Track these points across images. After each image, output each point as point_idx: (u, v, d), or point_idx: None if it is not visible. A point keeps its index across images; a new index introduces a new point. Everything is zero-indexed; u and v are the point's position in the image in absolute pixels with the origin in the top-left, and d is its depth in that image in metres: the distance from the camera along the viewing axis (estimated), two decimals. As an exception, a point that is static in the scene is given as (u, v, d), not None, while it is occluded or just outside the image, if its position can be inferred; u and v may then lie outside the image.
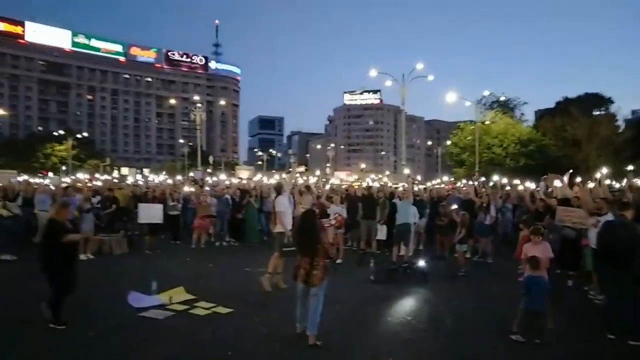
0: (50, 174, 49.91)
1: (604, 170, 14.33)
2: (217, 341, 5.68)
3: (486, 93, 51.31)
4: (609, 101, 51.69)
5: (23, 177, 24.72)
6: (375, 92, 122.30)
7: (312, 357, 5.25)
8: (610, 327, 5.87)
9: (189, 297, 7.38)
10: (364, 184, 19.24)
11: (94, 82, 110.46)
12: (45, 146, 69.66)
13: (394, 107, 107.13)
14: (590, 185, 12.69)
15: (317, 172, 34.59)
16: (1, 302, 7.26)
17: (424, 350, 5.59)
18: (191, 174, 36.69)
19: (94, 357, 5.23)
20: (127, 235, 12.88)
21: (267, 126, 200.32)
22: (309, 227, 5.67)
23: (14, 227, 11.50)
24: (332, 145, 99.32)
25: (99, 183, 22.29)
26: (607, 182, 16.51)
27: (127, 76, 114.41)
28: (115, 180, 28.31)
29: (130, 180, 30.80)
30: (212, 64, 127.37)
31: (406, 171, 23.24)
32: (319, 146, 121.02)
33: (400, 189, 14.99)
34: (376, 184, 20.90)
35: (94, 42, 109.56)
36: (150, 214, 12.53)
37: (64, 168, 47.87)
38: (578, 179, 13.36)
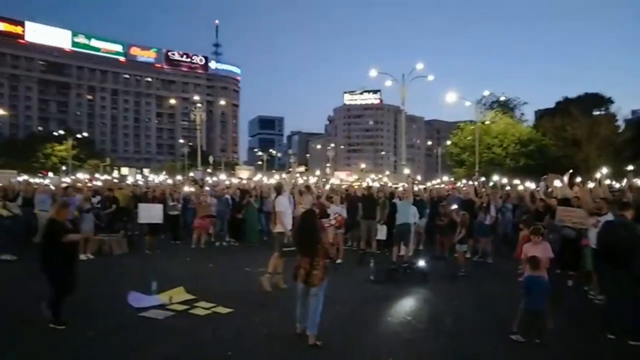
0: (50, 174, 49.92)
1: (604, 170, 14.31)
2: (217, 341, 5.68)
3: (486, 93, 51.36)
4: (609, 101, 51.70)
5: (23, 177, 24.72)
6: (375, 92, 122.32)
7: (312, 357, 5.25)
8: (610, 327, 5.87)
9: (189, 297, 7.38)
10: (364, 184, 19.24)
11: (94, 82, 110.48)
12: (45, 146, 69.67)
13: (394, 107, 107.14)
14: (590, 185, 12.69)
15: (317, 172, 34.51)
16: (1, 302, 7.26)
17: (424, 350, 5.59)
18: (191, 174, 36.70)
19: (94, 357, 5.23)
20: (127, 235, 12.88)
21: (267, 126, 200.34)
22: (309, 227, 5.67)
23: (14, 227, 11.50)
24: (332, 145, 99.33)
25: (99, 183, 22.28)
26: (607, 182, 16.51)
27: (127, 76, 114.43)
28: (115, 180, 28.31)
29: (130, 180, 30.80)
30: (212, 64, 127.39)
31: (406, 171, 23.24)
32: (319, 146, 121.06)
33: (400, 189, 14.99)
34: (376, 184, 20.90)
35: (94, 42, 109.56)
36: (150, 214, 12.53)
37: (63, 168, 47.88)
38: (578, 179, 13.35)
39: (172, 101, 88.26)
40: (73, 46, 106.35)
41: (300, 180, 21.86)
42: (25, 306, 6.71)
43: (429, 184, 33.14)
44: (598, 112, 46.67)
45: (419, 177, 44.72)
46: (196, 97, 63.53)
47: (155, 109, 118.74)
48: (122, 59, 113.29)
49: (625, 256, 5.84)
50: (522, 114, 55.42)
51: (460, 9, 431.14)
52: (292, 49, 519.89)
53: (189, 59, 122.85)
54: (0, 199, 11.68)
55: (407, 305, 7.64)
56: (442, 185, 25.88)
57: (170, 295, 7.33)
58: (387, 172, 57.68)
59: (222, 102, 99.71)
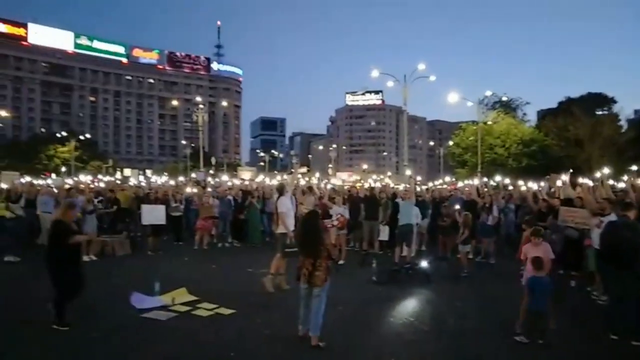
0: (53, 176, 50.03)
1: (606, 170, 14.28)
2: (220, 342, 5.69)
3: (488, 93, 51.19)
4: (612, 101, 51.54)
5: (26, 179, 24.76)
6: (377, 92, 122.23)
7: (314, 358, 5.25)
8: (614, 327, 5.85)
9: (192, 298, 7.40)
10: (366, 185, 19.22)
11: (96, 83, 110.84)
12: (48, 148, 69.81)
13: (396, 108, 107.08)
14: (590, 184, 12.65)
15: (317, 174, 34.51)
16: (4, 303, 7.30)
17: (427, 351, 5.58)
18: (193, 175, 36.72)
19: (96, 358, 5.25)
20: (129, 237, 12.91)
21: (269, 127, 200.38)
22: (312, 229, 5.67)
23: (17, 229, 11.54)
24: (334, 146, 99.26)
25: (102, 184, 22.32)
26: (611, 182, 16.44)
27: (129, 78, 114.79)
28: (118, 182, 28.35)
29: (132, 181, 30.80)
30: (214, 65, 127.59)
31: (408, 172, 23.21)
32: (321, 147, 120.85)
33: (401, 188, 14.97)
34: (378, 185, 20.87)
35: (97, 44, 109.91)
36: (153, 215, 12.54)
37: (63, 169, 47.97)
38: (580, 180, 13.31)
39: (175, 102, 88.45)
40: (75, 48, 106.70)
41: (302, 181, 21.85)
42: (28, 307, 6.75)
43: (430, 184, 33.08)
44: (601, 112, 46.53)
45: (419, 178, 44.64)
46: (198, 99, 63.42)
47: (157, 111, 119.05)
48: (124, 60, 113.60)
49: (629, 256, 5.83)
50: (525, 114, 55.22)
51: (460, 9, 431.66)
52: (293, 49, 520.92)
53: (191, 61, 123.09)
54: (3, 200, 11.73)
55: (409, 306, 7.63)
56: (445, 186, 25.82)
57: (172, 296, 7.34)
58: (389, 173, 57.62)
59: (224, 103, 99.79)
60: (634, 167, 27.67)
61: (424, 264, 9.37)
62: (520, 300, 5.96)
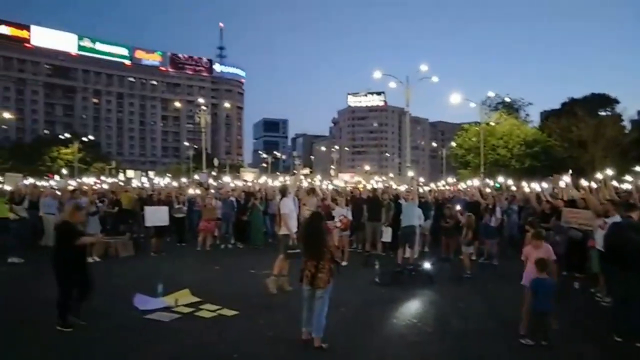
0: (57, 177, 50.15)
1: (609, 171, 14.20)
2: (223, 343, 5.69)
3: (491, 94, 51.11)
4: (615, 101, 51.35)
5: (30, 180, 24.83)
6: (379, 93, 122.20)
7: (317, 360, 5.25)
8: (618, 329, 5.83)
9: (195, 299, 7.41)
10: (368, 186, 19.19)
11: (99, 85, 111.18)
12: (52, 149, 70.05)
13: (398, 109, 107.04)
14: (590, 185, 12.61)
15: (318, 176, 34.54)
16: (7, 303, 7.33)
17: (430, 352, 5.57)
18: (196, 177, 36.77)
19: (98, 358, 5.27)
20: (132, 238, 12.93)
21: (272, 128, 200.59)
22: (316, 230, 5.65)
23: (21, 230, 11.58)
24: (337, 147, 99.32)
25: (106, 186, 22.38)
26: (615, 183, 16.37)
27: (132, 79, 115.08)
28: (121, 183, 28.41)
29: (135, 183, 30.86)
30: (217, 67, 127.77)
31: (410, 173, 23.22)
32: (323, 148, 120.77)
33: (402, 189, 14.95)
34: (380, 186, 20.83)
35: (99, 46, 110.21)
36: (157, 216, 12.57)
37: (64, 171, 48.12)
38: (583, 182, 13.25)
39: (177, 104, 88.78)
40: (79, 50, 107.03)
41: (305, 183, 21.85)
42: (31, 308, 6.77)
43: (432, 185, 33.01)
44: (604, 113, 46.37)
45: (421, 179, 44.58)
46: (201, 100, 63.50)
47: (160, 112, 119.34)
48: (127, 62, 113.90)
49: (633, 257, 5.81)
50: (527, 115, 55.10)
51: (460, 9, 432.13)
52: (294, 50, 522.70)
53: (193, 62, 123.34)
54: (7, 202, 11.77)
55: (412, 307, 7.62)
56: (447, 187, 25.73)
57: (175, 297, 7.35)
58: (392, 174, 57.58)
59: (227, 105, 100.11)
60: (638, 168, 27.59)
61: (426, 265, 9.36)
62: (521, 302, 5.95)
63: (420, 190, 15.75)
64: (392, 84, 24.93)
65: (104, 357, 5.29)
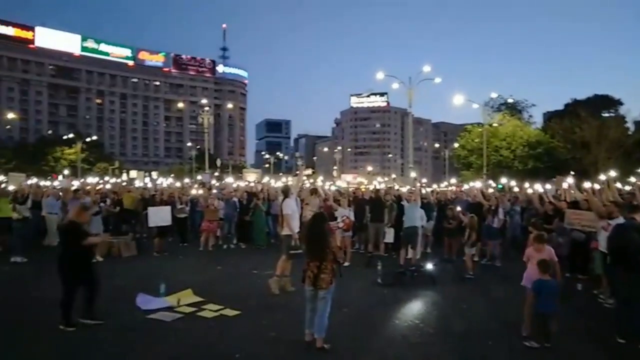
0: (60, 177, 50.26)
1: (612, 172, 14.15)
2: (225, 343, 5.70)
3: (494, 95, 51.04)
4: (618, 103, 51.23)
5: (33, 180, 24.90)
6: (382, 94, 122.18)
7: (319, 360, 5.24)
8: (620, 330, 5.82)
9: (197, 299, 7.42)
10: (371, 187, 19.19)
11: (103, 86, 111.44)
12: (55, 149, 70.26)
13: (401, 110, 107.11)
14: (597, 186, 12.57)
15: (321, 177, 34.57)
16: (9, 303, 7.35)
17: (432, 353, 5.57)
18: (199, 177, 36.84)
19: (99, 358, 5.28)
20: (135, 238, 12.96)
21: (274, 129, 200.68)
22: (319, 231, 5.63)
23: (24, 230, 11.62)
24: (339, 148, 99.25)
25: (109, 186, 22.44)
26: (618, 184, 16.33)
27: (135, 80, 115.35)
28: (124, 184, 28.47)
29: (138, 183, 30.94)
30: (220, 68, 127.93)
31: (413, 174, 23.19)
32: (326, 149, 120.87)
33: (403, 190, 14.93)
34: (382, 186, 20.81)
35: (103, 47, 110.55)
36: (159, 216, 12.58)
37: (66, 172, 48.28)
38: (587, 184, 13.21)
39: (180, 105, 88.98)
40: (82, 51, 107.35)
41: (307, 184, 21.85)
42: (33, 307, 6.79)
43: (435, 186, 32.97)
44: (607, 114, 46.23)
45: (424, 180, 44.52)
46: (204, 101, 63.73)
47: (163, 113, 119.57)
48: (130, 63, 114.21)
49: (636, 259, 5.79)
50: (530, 116, 54.96)
51: (461, 9, 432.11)
52: (296, 51, 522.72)
53: (196, 63, 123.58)
54: (10, 201, 11.82)
55: (415, 308, 7.61)
56: (450, 188, 25.70)
57: (178, 297, 7.36)
58: (394, 175, 57.50)
59: (230, 106, 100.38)
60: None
61: (429, 266, 9.34)
62: (522, 303, 5.93)
63: (423, 191, 15.71)
64: (395, 85, 24.96)
65: (105, 357, 5.30)
